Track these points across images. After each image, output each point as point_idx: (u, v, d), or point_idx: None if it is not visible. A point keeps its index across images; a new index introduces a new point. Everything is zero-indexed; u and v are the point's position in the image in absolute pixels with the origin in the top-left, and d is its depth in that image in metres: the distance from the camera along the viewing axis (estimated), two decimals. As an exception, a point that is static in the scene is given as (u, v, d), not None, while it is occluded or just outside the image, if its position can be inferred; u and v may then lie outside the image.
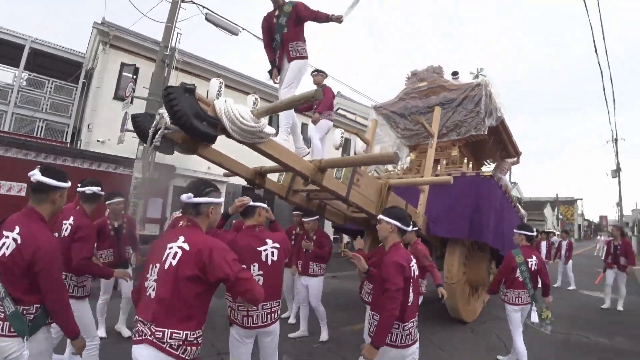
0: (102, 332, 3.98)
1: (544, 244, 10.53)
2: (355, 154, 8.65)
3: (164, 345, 1.55)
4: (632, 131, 62.41)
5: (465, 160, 6.50)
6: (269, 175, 4.08)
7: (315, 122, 4.40)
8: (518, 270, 3.79)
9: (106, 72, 11.66)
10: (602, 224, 68.29)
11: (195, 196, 1.83)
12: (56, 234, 2.67)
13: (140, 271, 1.85)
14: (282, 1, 3.78)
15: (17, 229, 1.83)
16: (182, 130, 2.60)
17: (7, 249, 1.79)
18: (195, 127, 2.52)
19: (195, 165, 11.46)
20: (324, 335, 4.52)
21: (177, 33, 8.17)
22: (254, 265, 2.42)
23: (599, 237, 35.63)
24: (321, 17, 3.65)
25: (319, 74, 4.65)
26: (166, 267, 1.63)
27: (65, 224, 2.74)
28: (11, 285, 1.79)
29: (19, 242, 1.80)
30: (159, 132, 2.91)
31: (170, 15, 8.25)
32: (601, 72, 11.37)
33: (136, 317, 1.68)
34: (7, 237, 1.81)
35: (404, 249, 2.49)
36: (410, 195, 5.13)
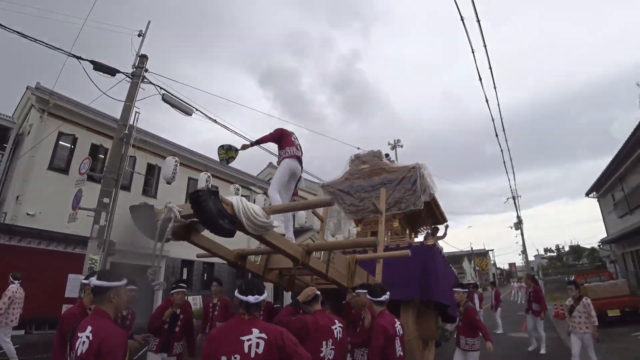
0: None
1: (476, 296, 11.83)
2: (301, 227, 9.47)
3: None
4: (526, 186, 73.41)
5: (407, 231, 7.57)
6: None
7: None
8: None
9: (42, 140, 11.11)
10: (512, 271, 76.26)
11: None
12: None
13: None
14: None
15: (89, 329, 2.08)
16: (207, 227, 3.04)
17: (82, 346, 2.02)
18: (220, 225, 2.99)
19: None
20: None
21: (135, 112, 8.47)
22: (329, 341, 2.87)
23: (512, 283, 39.65)
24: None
25: None
26: (252, 356, 1.99)
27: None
28: None
29: (90, 339, 2.03)
30: (170, 225, 3.30)
31: (129, 95, 8.61)
32: (501, 150, 14.07)
33: None
34: (81, 337, 2.05)
35: (388, 314, 3.28)
36: (364, 266, 5.89)
